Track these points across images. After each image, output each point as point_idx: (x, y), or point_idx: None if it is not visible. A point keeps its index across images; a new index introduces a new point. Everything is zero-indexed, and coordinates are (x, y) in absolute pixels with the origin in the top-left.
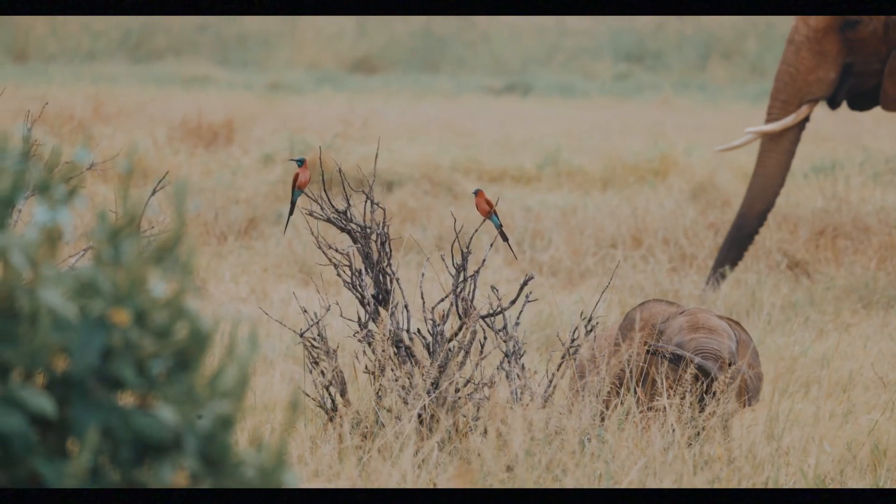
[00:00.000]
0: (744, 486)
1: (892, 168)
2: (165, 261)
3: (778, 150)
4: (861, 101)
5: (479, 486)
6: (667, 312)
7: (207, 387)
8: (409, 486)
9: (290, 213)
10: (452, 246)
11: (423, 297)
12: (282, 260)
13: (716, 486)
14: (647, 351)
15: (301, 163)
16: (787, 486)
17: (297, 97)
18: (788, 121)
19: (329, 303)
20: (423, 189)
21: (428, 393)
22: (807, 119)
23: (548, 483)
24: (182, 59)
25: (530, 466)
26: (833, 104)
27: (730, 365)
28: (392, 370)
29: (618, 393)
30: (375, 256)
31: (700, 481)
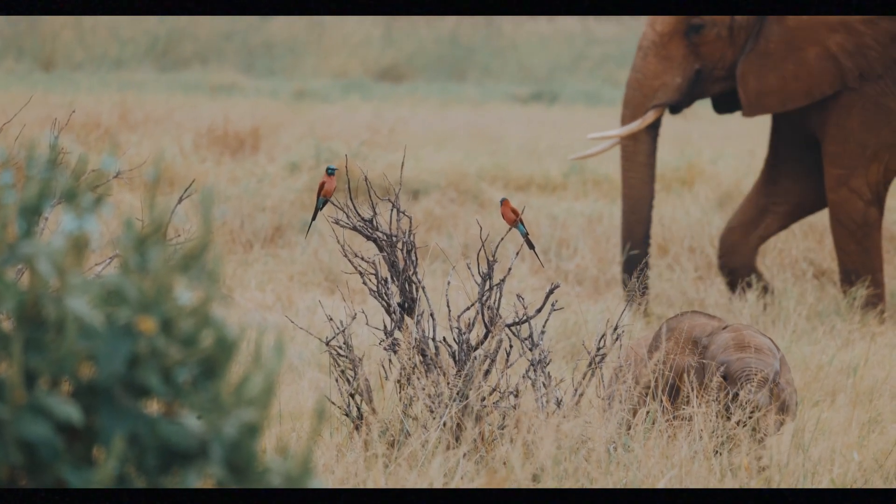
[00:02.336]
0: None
1: None
2: (192, 269)
3: (636, 165)
4: (724, 105)
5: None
6: (709, 326)
7: (233, 395)
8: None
9: (313, 218)
10: (478, 254)
11: (448, 306)
12: (308, 268)
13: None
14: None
15: (332, 171)
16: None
17: (324, 105)
18: (633, 127)
19: (355, 311)
20: (450, 197)
21: (454, 401)
22: (658, 127)
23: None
24: (209, 66)
25: (557, 476)
26: (675, 110)
27: (775, 384)
28: (418, 379)
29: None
30: (401, 265)
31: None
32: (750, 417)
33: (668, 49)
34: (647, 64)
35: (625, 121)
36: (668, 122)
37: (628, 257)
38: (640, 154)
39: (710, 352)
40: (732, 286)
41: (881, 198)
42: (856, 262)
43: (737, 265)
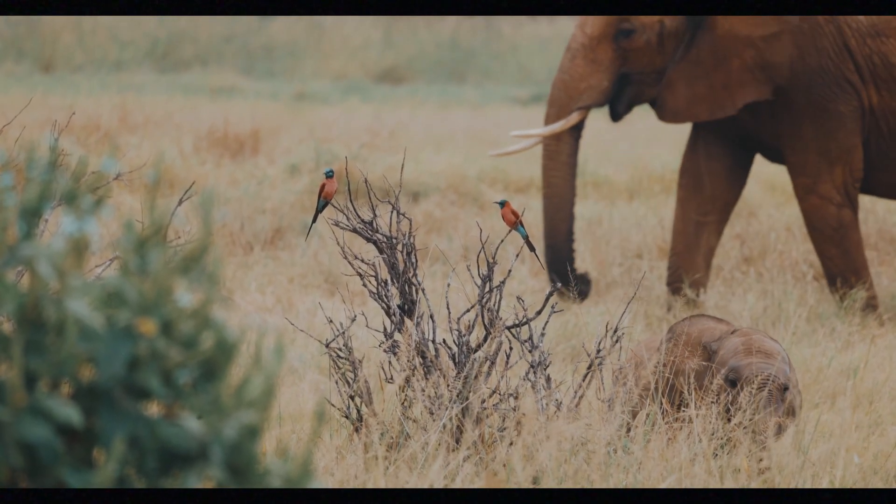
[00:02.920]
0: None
1: None
2: (192, 271)
3: (558, 165)
4: (620, 111)
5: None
6: (717, 330)
7: (234, 397)
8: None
9: (314, 220)
10: (478, 256)
11: (448, 308)
12: (308, 270)
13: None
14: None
15: (330, 174)
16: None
17: (324, 107)
18: (556, 127)
19: (355, 313)
20: (450, 199)
21: (454, 403)
22: (581, 128)
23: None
24: (208, 69)
25: (557, 478)
26: (614, 116)
27: (786, 389)
28: (418, 381)
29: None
30: (401, 267)
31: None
32: (751, 419)
33: (597, 52)
34: (574, 66)
35: (549, 120)
36: (669, 124)
37: (552, 256)
38: (562, 154)
39: (719, 356)
40: (677, 292)
41: (852, 198)
42: (839, 265)
43: (691, 283)
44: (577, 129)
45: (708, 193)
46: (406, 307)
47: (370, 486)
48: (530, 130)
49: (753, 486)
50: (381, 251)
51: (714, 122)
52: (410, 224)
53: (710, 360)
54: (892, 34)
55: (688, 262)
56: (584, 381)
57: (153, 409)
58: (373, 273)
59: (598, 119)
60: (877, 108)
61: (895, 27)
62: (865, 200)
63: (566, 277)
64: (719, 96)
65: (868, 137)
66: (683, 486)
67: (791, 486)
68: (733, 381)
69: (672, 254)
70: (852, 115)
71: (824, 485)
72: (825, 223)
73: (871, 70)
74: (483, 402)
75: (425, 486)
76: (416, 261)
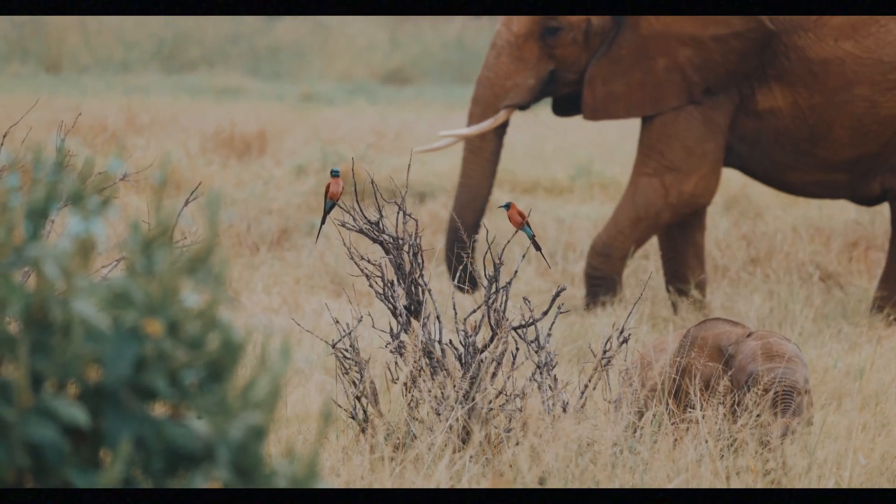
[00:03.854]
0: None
1: None
2: (198, 271)
3: (480, 160)
4: (564, 108)
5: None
6: (734, 334)
7: (240, 397)
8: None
9: (322, 222)
10: (484, 257)
11: (455, 309)
12: (314, 271)
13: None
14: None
15: (336, 173)
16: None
17: (330, 108)
18: (485, 125)
19: (361, 314)
20: None
21: (460, 404)
22: (506, 125)
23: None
24: (215, 70)
25: (563, 479)
26: (524, 107)
27: (806, 393)
28: (424, 381)
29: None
30: (407, 267)
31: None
32: (759, 421)
33: (523, 50)
34: (500, 63)
35: (473, 118)
36: None
37: (450, 246)
38: (485, 150)
39: (737, 360)
40: (682, 293)
41: (681, 211)
42: (619, 241)
43: (689, 279)
44: (501, 127)
45: None
46: (412, 308)
47: (376, 486)
48: (458, 130)
49: (759, 486)
50: (387, 252)
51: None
52: (417, 225)
53: (726, 363)
54: (811, 28)
55: (682, 264)
56: (590, 381)
57: (159, 410)
58: (379, 274)
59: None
60: (792, 107)
61: (814, 20)
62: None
63: (454, 268)
64: (636, 95)
65: (780, 139)
66: (690, 486)
67: (796, 486)
68: (752, 387)
69: (664, 260)
70: (724, 129)
71: (830, 486)
72: (648, 206)
73: (783, 67)
74: (489, 402)
75: (431, 486)
76: (423, 261)
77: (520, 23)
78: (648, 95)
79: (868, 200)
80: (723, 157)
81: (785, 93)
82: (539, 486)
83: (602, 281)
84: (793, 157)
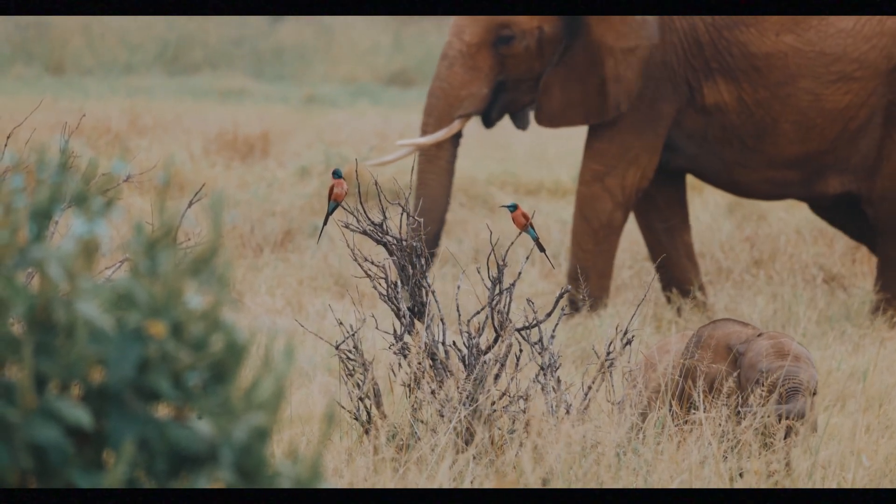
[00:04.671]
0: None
1: None
2: (202, 273)
3: (436, 170)
4: (520, 118)
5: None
6: (743, 334)
7: (243, 399)
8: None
9: (325, 223)
10: (488, 259)
11: (458, 310)
12: (317, 272)
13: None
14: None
15: (339, 175)
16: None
17: (333, 110)
18: (440, 135)
19: (365, 315)
20: (460, 202)
21: (463, 405)
22: (460, 135)
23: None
24: (218, 72)
25: (567, 480)
26: (487, 122)
27: (814, 394)
28: (427, 383)
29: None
30: (411, 269)
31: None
32: (764, 420)
33: (476, 59)
34: (453, 73)
35: (428, 129)
36: None
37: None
38: (441, 160)
39: (747, 359)
40: (685, 293)
41: (630, 204)
42: (589, 261)
43: (683, 281)
44: (456, 137)
45: (658, 202)
46: (416, 309)
47: (379, 487)
48: (415, 140)
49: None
50: (391, 253)
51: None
52: (420, 226)
53: (734, 362)
54: (753, 23)
55: (676, 267)
56: (593, 383)
57: (163, 412)
58: (383, 275)
59: None
60: (737, 102)
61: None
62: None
63: None
64: (593, 102)
65: (726, 136)
66: (691, 486)
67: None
68: (761, 384)
69: (658, 269)
70: (667, 120)
71: (834, 487)
72: (596, 216)
73: (726, 63)
74: (493, 403)
75: (435, 487)
76: (427, 263)
77: (472, 32)
78: (603, 102)
79: (822, 201)
80: (662, 142)
81: (730, 88)
82: (543, 487)
83: (591, 302)
84: (741, 154)
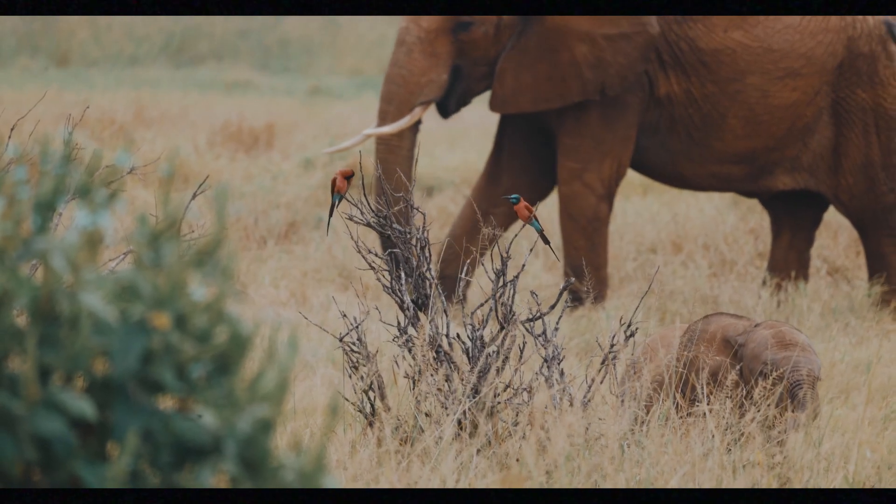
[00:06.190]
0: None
1: None
2: (206, 265)
3: (398, 159)
4: (446, 107)
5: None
6: (739, 326)
7: (247, 391)
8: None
9: (330, 215)
10: (492, 251)
11: (462, 302)
12: (321, 264)
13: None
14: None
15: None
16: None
17: (338, 103)
18: (403, 123)
19: (368, 307)
20: (463, 194)
21: (467, 398)
22: (420, 122)
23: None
24: (223, 64)
25: (570, 472)
26: (444, 111)
27: (818, 380)
28: (431, 375)
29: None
30: (415, 261)
31: (740, 486)
32: (767, 408)
33: (435, 46)
34: (412, 60)
35: (387, 117)
36: None
37: (384, 242)
38: (402, 148)
39: (749, 350)
40: (451, 291)
41: (612, 194)
42: (583, 257)
43: (453, 273)
44: (416, 125)
45: (503, 188)
46: (420, 301)
47: (383, 479)
48: (378, 129)
49: (766, 480)
50: (394, 245)
51: (520, 116)
52: (424, 218)
53: (735, 355)
54: (701, 18)
55: (460, 246)
56: (597, 375)
57: (167, 403)
58: (386, 267)
59: None
60: (685, 95)
61: None
62: None
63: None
64: (543, 88)
65: (675, 127)
66: (696, 480)
67: (804, 480)
68: (767, 375)
69: (450, 234)
70: (635, 108)
71: (838, 479)
72: (582, 213)
73: (676, 56)
74: (496, 396)
75: (438, 480)
76: (430, 255)
77: (430, 19)
78: (555, 88)
79: (769, 196)
80: (634, 131)
81: (680, 81)
82: (547, 481)
83: (601, 297)
84: (687, 146)
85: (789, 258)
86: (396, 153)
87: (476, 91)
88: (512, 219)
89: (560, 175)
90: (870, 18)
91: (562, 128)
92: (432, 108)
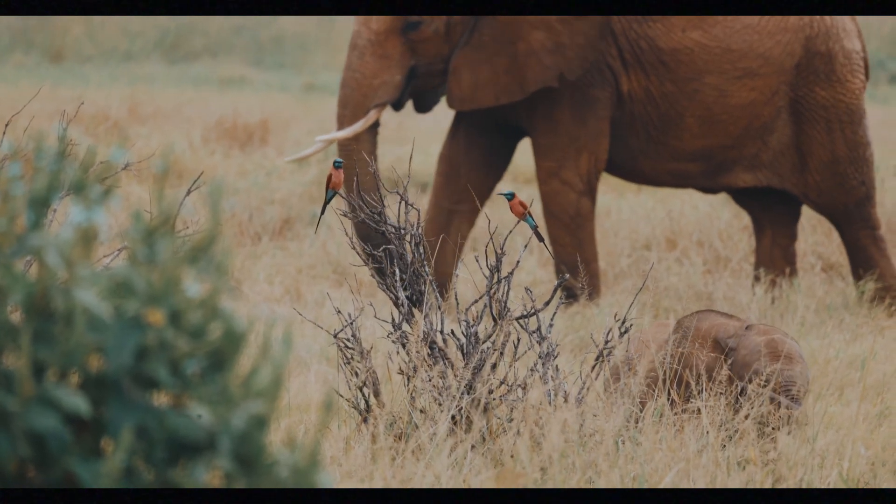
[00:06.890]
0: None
1: None
2: (200, 261)
3: (356, 163)
4: (424, 102)
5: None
6: (730, 326)
7: (242, 387)
8: (443, 487)
9: (322, 212)
10: (486, 247)
11: (457, 299)
12: (316, 261)
13: (749, 486)
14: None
15: (339, 165)
16: (820, 487)
17: (333, 99)
18: (358, 126)
19: (363, 304)
20: None
21: (462, 394)
22: (378, 125)
23: (581, 485)
24: (218, 60)
25: (564, 468)
26: (397, 107)
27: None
28: (426, 371)
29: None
30: (409, 257)
31: (734, 483)
32: (761, 405)
33: (386, 47)
34: (364, 63)
35: (344, 121)
36: None
37: (362, 234)
38: (361, 151)
39: (740, 356)
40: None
41: (593, 188)
42: (571, 254)
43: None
44: (373, 127)
45: (463, 182)
46: (414, 298)
47: (377, 476)
48: (332, 134)
49: (759, 476)
50: (389, 242)
51: (476, 110)
52: (419, 215)
53: (725, 355)
54: (659, 18)
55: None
56: (591, 371)
57: (161, 400)
58: (381, 263)
59: None
60: (644, 93)
61: None
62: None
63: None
64: (503, 81)
65: (634, 124)
66: (690, 476)
67: (798, 477)
68: (758, 386)
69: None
70: (605, 103)
71: (832, 476)
72: (563, 210)
73: (636, 55)
74: (491, 392)
75: (432, 476)
76: (425, 251)
77: (379, 20)
78: (515, 80)
79: (728, 192)
80: (608, 124)
81: (639, 78)
82: (541, 477)
83: (595, 291)
84: (645, 143)
85: (774, 255)
86: (355, 156)
87: (430, 87)
88: (476, 213)
89: (538, 175)
90: (827, 18)
91: (535, 129)
92: (433, 108)
